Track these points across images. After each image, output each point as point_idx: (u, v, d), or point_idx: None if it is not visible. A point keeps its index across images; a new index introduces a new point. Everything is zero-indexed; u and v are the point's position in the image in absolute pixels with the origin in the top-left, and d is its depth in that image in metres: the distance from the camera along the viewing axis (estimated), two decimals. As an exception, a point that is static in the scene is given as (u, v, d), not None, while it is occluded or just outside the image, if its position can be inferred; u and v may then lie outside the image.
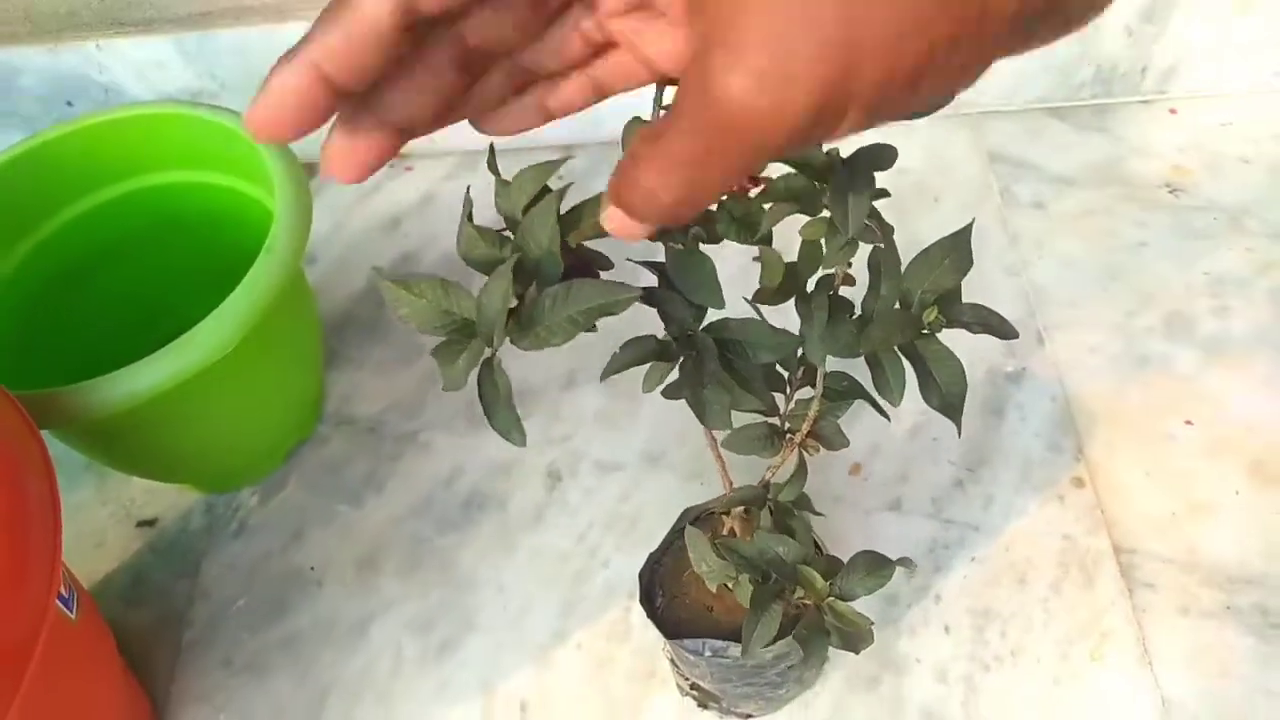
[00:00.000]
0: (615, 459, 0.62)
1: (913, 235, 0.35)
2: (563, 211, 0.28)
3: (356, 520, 0.61)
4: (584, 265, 0.29)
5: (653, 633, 0.54)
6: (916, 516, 0.57)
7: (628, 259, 0.32)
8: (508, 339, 0.26)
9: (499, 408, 0.25)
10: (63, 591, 0.42)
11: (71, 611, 0.43)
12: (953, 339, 0.59)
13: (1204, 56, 0.73)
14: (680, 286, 0.29)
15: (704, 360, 0.29)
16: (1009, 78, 0.75)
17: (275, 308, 0.50)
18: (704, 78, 0.19)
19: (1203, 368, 0.62)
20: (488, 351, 0.26)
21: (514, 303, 0.26)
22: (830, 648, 0.52)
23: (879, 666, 0.52)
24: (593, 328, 0.26)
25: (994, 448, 0.59)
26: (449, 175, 0.79)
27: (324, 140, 0.23)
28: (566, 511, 0.60)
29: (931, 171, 0.74)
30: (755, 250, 0.31)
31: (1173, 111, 0.76)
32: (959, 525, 0.57)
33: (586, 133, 0.56)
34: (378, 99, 0.23)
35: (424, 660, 0.55)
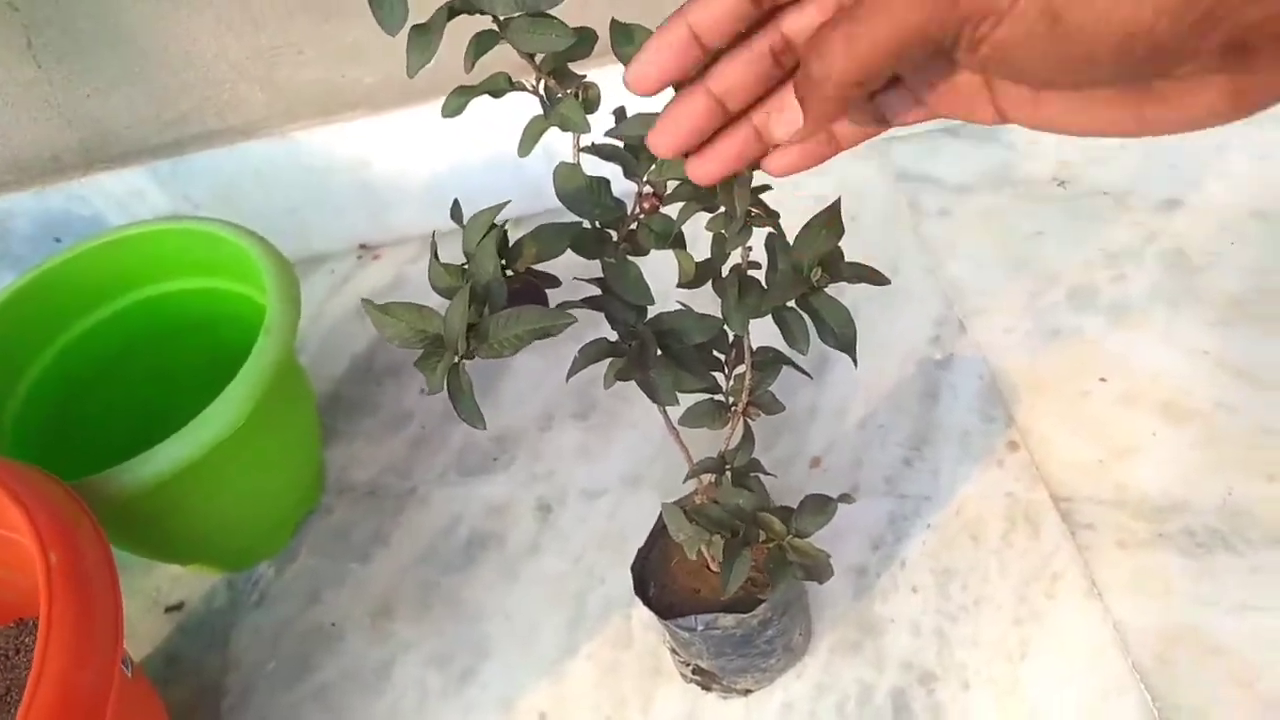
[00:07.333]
0: (598, 486, 0.67)
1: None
2: (510, 245, 0.34)
3: (368, 575, 0.66)
4: (533, 287, 0.35)
5: (654, 634, 0.59)
6: (874, 496, 0.63)
7: (575, 278, 0.38)
8: (470, 349, 0.32)
9: (464, 399, 0.32)
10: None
11: (129, 670, 0.48)
12: (884, 336, 0.68)
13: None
14: (618, 291, 0.35)
15: (646, 347, 0.35)
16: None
17: (276, 383, 0.56)
18: None
19: (1108, 330, 0.69)
20: (455, 359, 0.32)
21: (475, 319, 0.32)
22: (811, 623, 0.57)
23: (859, 632, 0.58)
24: (544, 334, 0.32)
25: (934, 426, 0.66)
26: (414, 259, 0.86)
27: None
28: (560, 538, 0.65)
29: (847, 196, 0.79)
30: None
31: (1052, 116, 0.85)
32: (913, 498, 0.63)
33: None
34: (709, 69, 0.28)
35: (446, 691, 0.59)
